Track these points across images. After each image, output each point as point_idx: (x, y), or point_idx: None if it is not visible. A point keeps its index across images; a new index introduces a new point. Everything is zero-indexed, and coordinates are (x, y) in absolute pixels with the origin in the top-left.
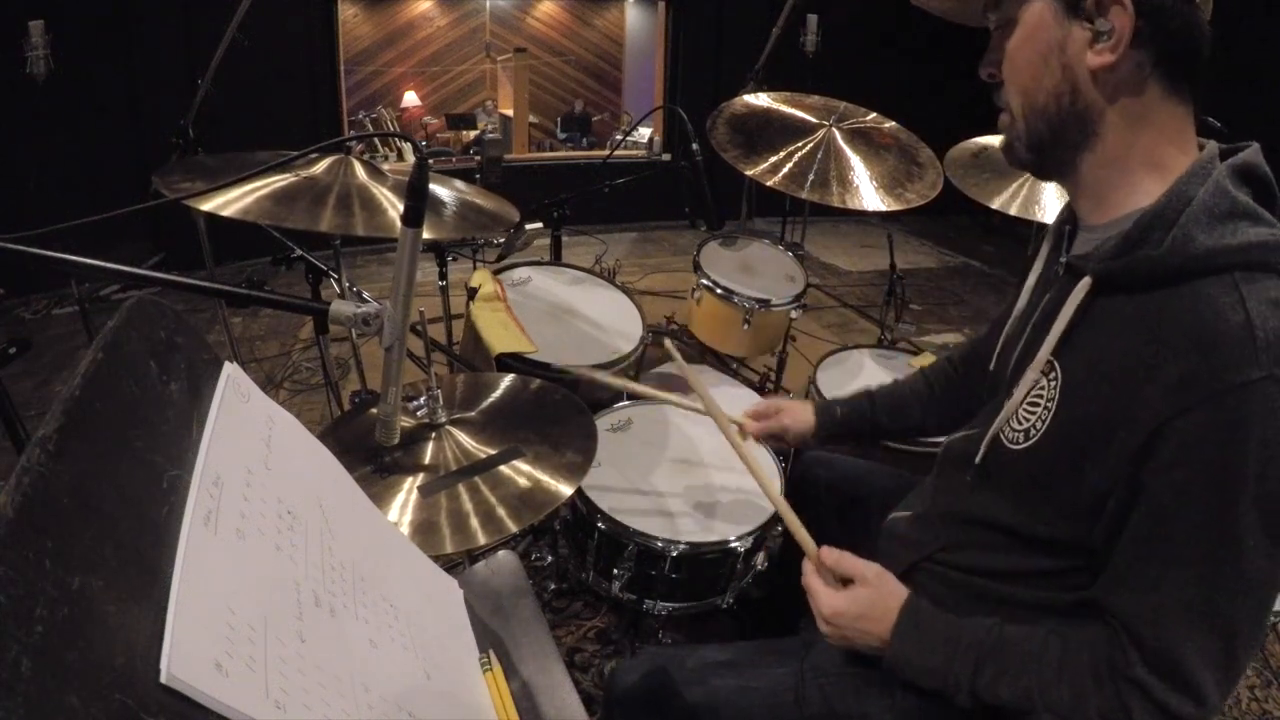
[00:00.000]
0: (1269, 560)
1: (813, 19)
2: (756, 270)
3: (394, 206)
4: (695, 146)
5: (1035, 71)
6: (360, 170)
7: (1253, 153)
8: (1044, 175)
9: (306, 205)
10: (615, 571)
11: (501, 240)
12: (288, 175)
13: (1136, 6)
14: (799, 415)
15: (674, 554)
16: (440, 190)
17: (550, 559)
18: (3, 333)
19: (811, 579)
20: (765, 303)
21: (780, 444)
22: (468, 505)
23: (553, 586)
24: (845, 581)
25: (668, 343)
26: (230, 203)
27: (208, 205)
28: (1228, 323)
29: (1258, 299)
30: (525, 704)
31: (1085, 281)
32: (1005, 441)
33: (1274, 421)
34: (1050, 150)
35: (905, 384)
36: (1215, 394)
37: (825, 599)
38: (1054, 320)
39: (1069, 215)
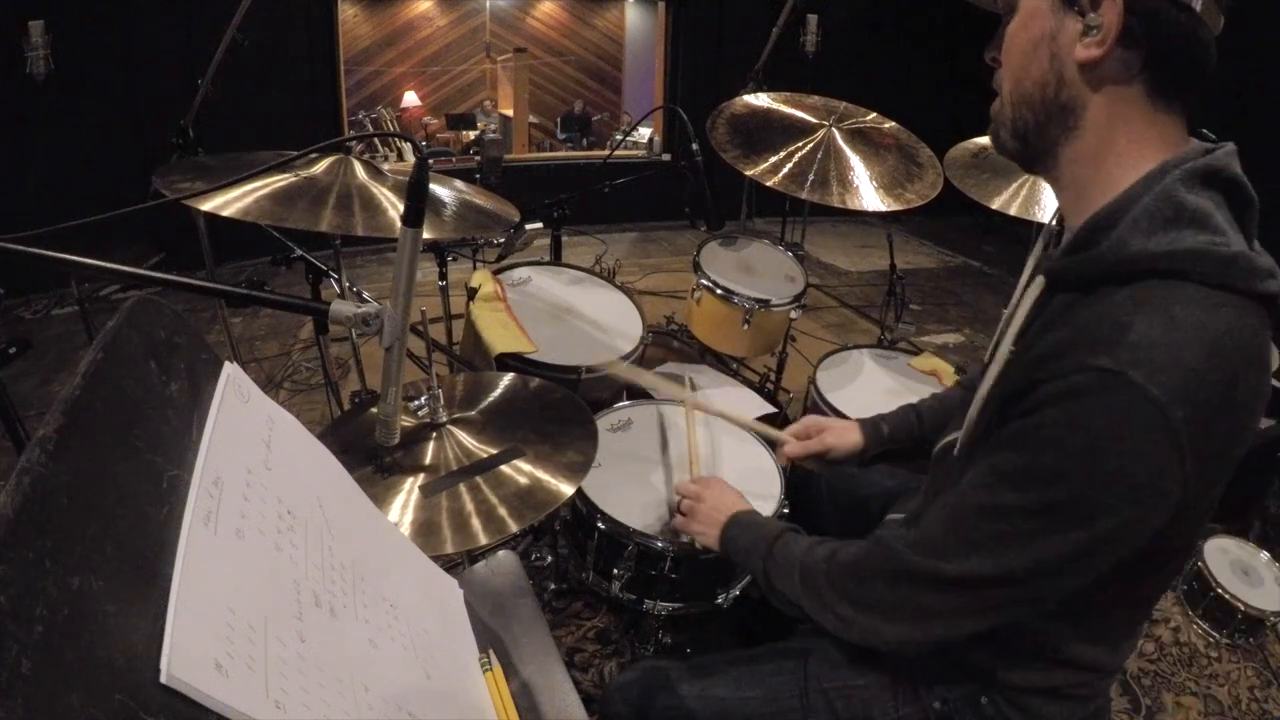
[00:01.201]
0: (1026, 548)
1: (813, 19)
2: (756, 270)
3: (394, 206)
4: (695, 146)
5: (1026, 58)
6: (360, 170)
7: (1220, 155)
8: (1028, 165)
9: (306, 205)
10: (615, 571)
11: (501, 240)
12: (288, 175)
13: (1127, 4)
14: (844, 435)
15: (674, 554)
16: (440, 190)
17: (550, 559)
18: (3, 333)
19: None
20: (765, 303)
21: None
22: (469, 505)
23: (553, 586)
24: None
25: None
26: (230, 203)
27: (208, 205)
28: (1114, 319)
29: (1155, 307)
30: (525, 704)
31: (1039, 280)
32: None
33: (1105, 416)
34: (1034, 139)
35: (946, 396)
36: (1066, 371)
37: (689, 487)
38: None
39: (1060, 215)
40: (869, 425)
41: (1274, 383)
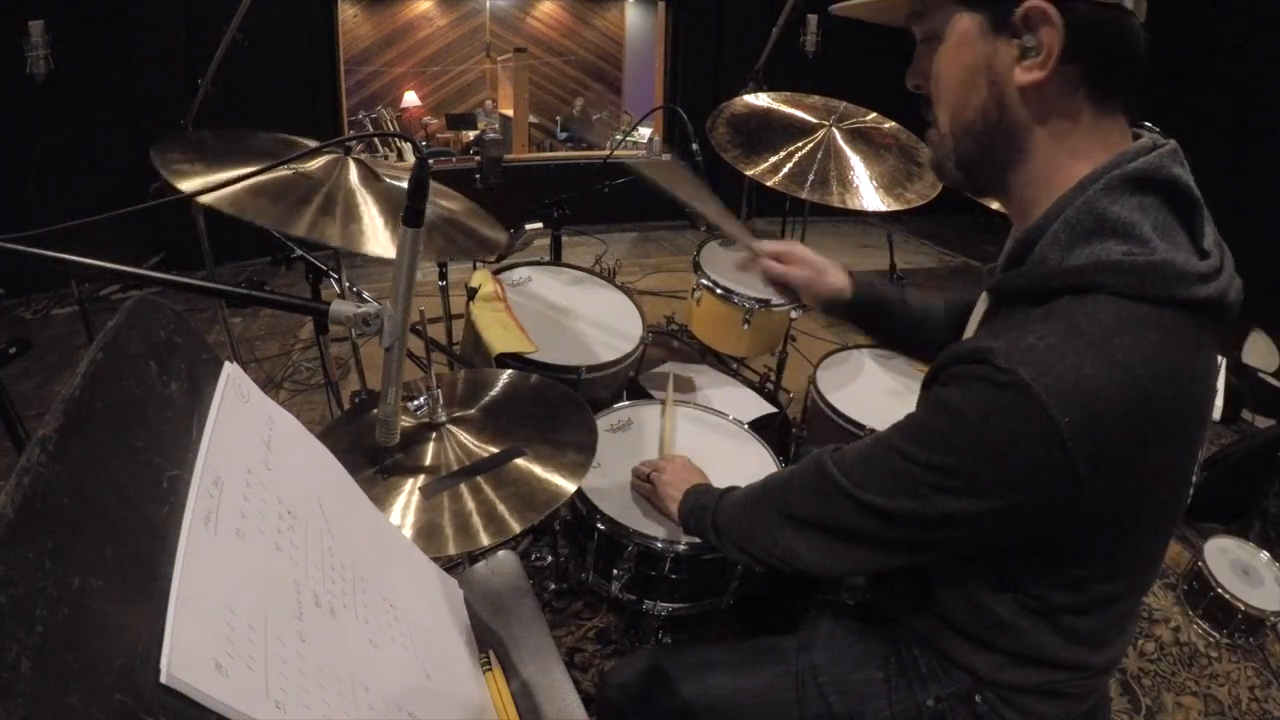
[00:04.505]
0: (918, 496)
1: (813, 19)
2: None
3: (372, 219)
4: (695, 146)
5: (963, 89)
6: (354, 174)
7: (1154, 157)
8: (977, 193)
9: (290, 204)
10: (615, 572)
11: None
12: (283, 171)
13: (1066, 22)
14: (832, 275)
15: (674, 555)
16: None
17: (550, 559)
18: (3, 333)
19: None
20: (765, 303)
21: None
22: (470, 505)
23: (553, 586)
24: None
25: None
26: (215, 187)
27: (190, 184)
28: (1020, 324)
29: (1061, 318)
30: (525, 704)
31: (984, 296)
32: None
33: (991, 404)
34: (980, 168)
35: (934, 306)
36: (969, 358)
37: (657, 461)
38: None
39: None
40: (862, 277)
41: (1274, 380)
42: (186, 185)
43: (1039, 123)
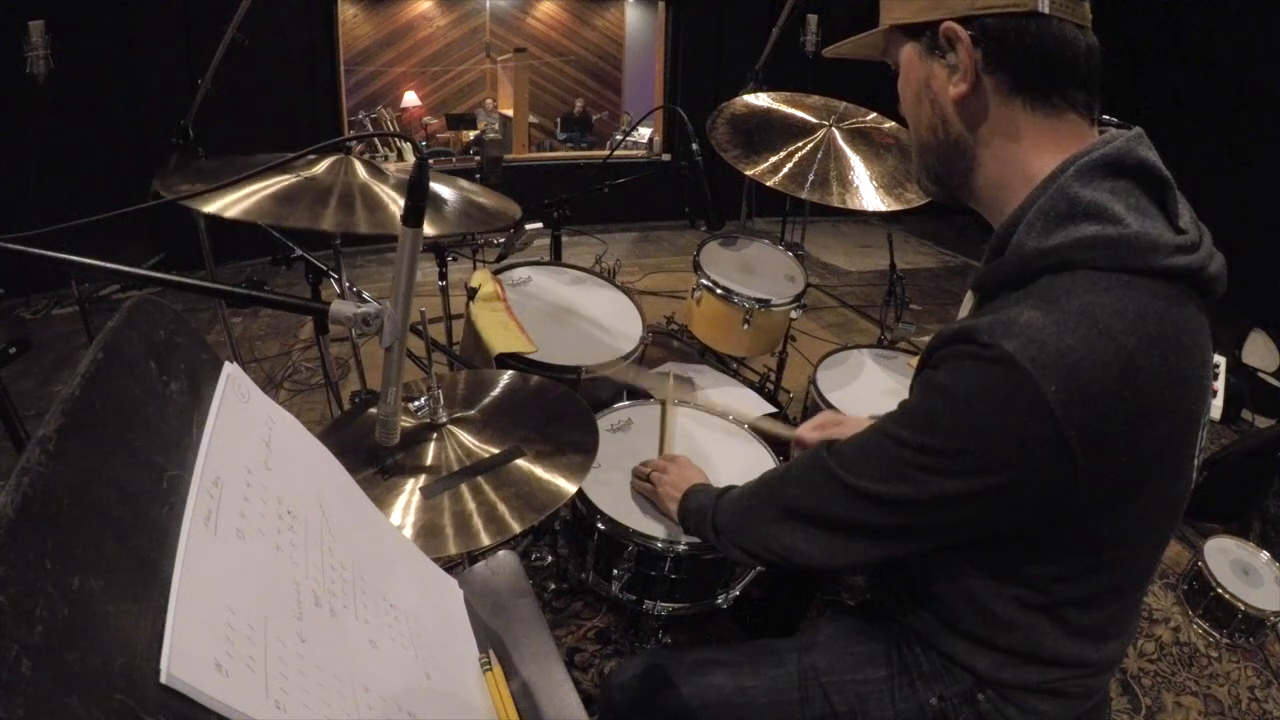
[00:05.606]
0: (911, 480)
1: (813, 19)
2: (756, 270)
3: (395, 204)
4: (695, 146)
5: (915, 110)
6: (361, 169)
7: (1120, 143)
8: (954, 202)
9: (308, 204)
10: (615, 572)
11: (501, 240)
12: (289, 176)
13: (975, 38)
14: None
15: (674, 555)
16: (441, 189)
17: (550, 559)
18: (3, 333)
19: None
20: (765, 303)
21: None
22: (470, 505)
23: (553, 586)
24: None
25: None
26: (232, 204)
27: (210, 208)
28: (1002, 307)
29: (1041, 295)
30: (525, 704)
31: (969, 295)
32: None
33: (978, 380)
34: (946, 180)
35: None
36: (955, 340)
37: (658, 461)
38: None
39: None
40: None
41: (1274, 380)
42: (199, 205)
43: (980, 131)
